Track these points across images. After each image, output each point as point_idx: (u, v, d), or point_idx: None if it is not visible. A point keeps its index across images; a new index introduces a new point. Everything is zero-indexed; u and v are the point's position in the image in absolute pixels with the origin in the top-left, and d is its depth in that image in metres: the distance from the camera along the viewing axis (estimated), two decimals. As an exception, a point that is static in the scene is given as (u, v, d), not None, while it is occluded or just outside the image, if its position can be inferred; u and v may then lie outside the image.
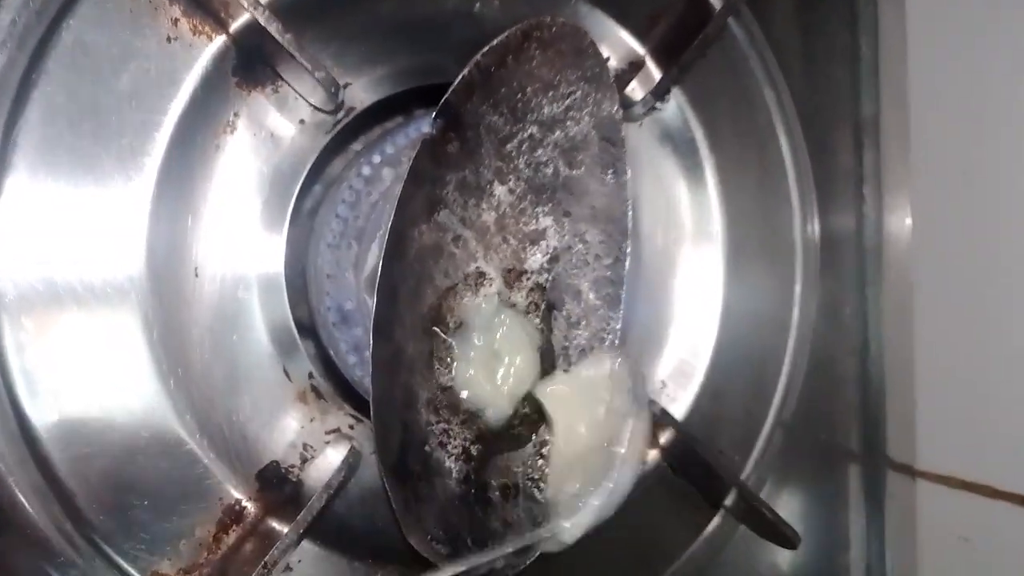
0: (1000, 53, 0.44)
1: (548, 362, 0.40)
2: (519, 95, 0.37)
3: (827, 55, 0.51)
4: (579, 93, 0.38)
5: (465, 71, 0.35)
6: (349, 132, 0.41)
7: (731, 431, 0.48)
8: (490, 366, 0.39)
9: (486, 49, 0.35)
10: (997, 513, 0.45)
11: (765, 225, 0.48)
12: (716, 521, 0.47)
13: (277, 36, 0.33)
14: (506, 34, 0.35)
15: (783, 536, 0.44)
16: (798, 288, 0.49)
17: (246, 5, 0.32)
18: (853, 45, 0.51)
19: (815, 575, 0.51)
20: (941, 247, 0.49)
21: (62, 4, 0.33)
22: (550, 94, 0.38)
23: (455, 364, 0.38)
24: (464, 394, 0.38)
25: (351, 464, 0.36)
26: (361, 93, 0.39)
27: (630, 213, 0.39)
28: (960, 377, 0.48)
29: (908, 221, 0.50)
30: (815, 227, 0.50)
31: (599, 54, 0.37)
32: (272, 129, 0.38)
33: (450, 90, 0.35)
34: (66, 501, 0.34)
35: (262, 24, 0.32)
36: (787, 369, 0.49)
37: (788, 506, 0.50)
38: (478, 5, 0.41)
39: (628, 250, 0.40)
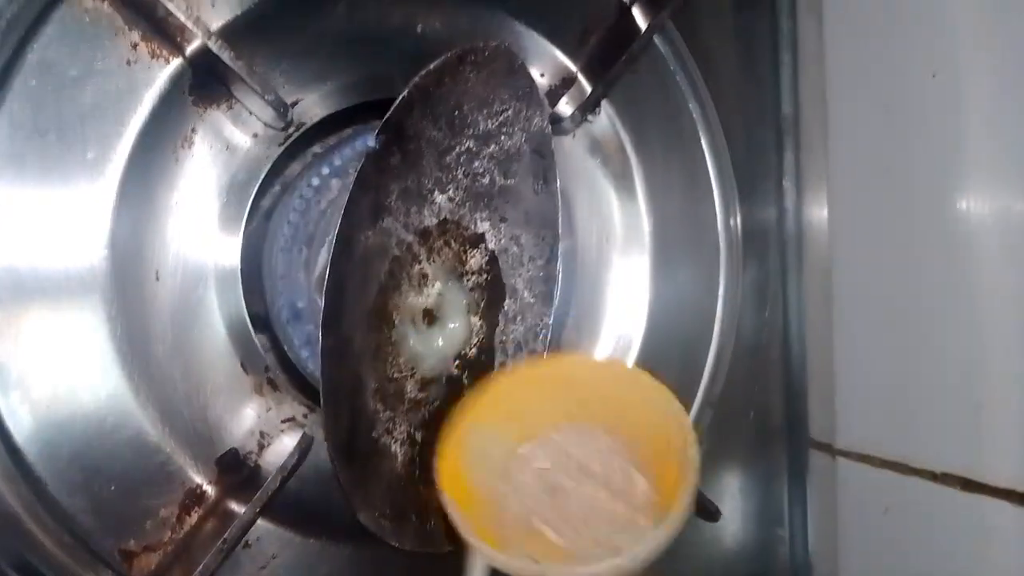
0: (910, 57, 0.47)
1: (487, 354, 0.44)
2: (456, 112, 0.41)
3: (749, 60, 0.54)
4: (511, 110, 0.41)
5: (405, 91, 0.38)
6: (302, 142, 0.44)
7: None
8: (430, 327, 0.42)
9: (424, 71, 0.38)
10: (910, 488, 0.49)
11: (690, 222, 0.52)
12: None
13: (229, 63, 0.36)
14: (443, 57, 0.39)
15: (706, 511, 0.49)
16: (722, 278, 0.53)
17: (200, 34, 0.35)
18: (773, 51, 0.55)
19: (749, 547, 0.55)
20: (857, 237, 0.52)
21: (28, 26, 0.36)
22: (485, 111, 0.41)
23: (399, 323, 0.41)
24: (404, 350, 0.41)
25: (303, 448, 0.39)
26: (312, 107, 0.43)
27: (560, 218, 0.43)
28: (875, 361, 0.52)
29: (825, 212, 0.54)
30: (737, 221, 0.53)
31: (529, 74, 0.41)
32: (228, 142, 0.41)
33: (391, 109, 0.38)
34: (36, 484, 0.36)
35: (215, 51, 0.35)
36: (713, 353, 0.53)
37: (723, 482, 0.54)
38: (421, 24, 0.44)
39: (559, 251, 0.43)
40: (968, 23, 0.44)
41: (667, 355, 0.52)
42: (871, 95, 0.51)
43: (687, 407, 0.52)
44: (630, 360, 0.51)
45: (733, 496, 0.55)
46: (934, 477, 0.47)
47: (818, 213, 0.54)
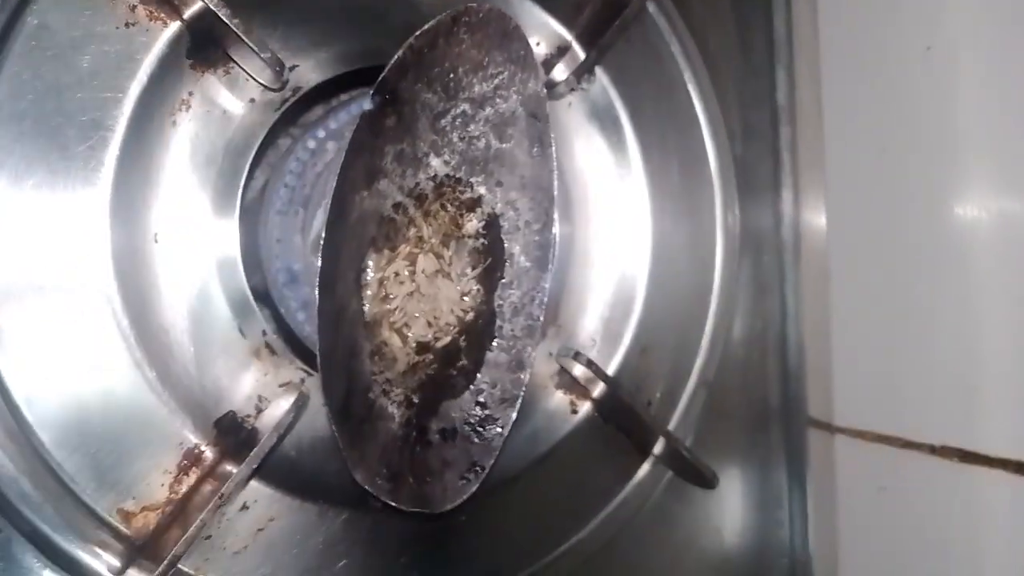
0: (907, 49, 0.48)
1: (484, 318, 0.44)
2: (451, 75, 0.41)
3: (744, 42, 0.55)
4: (506, 73, 0.42)
5: (400, 52, 0.38)
6: (297, 109, 0.44)
7: (658, 385, 0.52)
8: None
9: (419, 32, 0.39)
10: (909, 462, 0.49)
11: (687, 195, 0.52)
12: (645, 468, 0.51)
13: (226, 21, 0.36)
14: (437, 19, 0.39)
15: (702, 477, 0.49)
16: (719, 254, 0.53)
17: (197, -7, 0.35)
18: (768, 33, 0.55)
19: (747, 528, 0.55)
20: (855, 225, 0.52)
21: (26, -9, 0.36)
22: (480, 74, 0.41)
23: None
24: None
25: (299, 407, 0.40)
26: (308, 74, 0.43)
27: (555, 182, 0.43)
28: (871, 340, 0.52)
29: (824, 194, 0.54)
30: (735, 198, 0.54)
31: (524, 37, 0.41)
32: (224, 107, 0.41)
33: (386, 69, 0.38)
34: (36, 447, 0.37)
35: (212, 9, 0.36)
36: (710, 331, 0.53)
37: (721, 463, 0.53)
38: (416, -7, 0.45)
39: (555, 216, 0.43)
40: None
41: (663, 330, 0.52)
42: (866, 79, 0.51)
43: (682, 385, 0.52)
44: (626, 334, 0.51)
45: (731, 477, 0.54)
46: (932, 450, 0.47)
47: (816, 192, 0.55)
